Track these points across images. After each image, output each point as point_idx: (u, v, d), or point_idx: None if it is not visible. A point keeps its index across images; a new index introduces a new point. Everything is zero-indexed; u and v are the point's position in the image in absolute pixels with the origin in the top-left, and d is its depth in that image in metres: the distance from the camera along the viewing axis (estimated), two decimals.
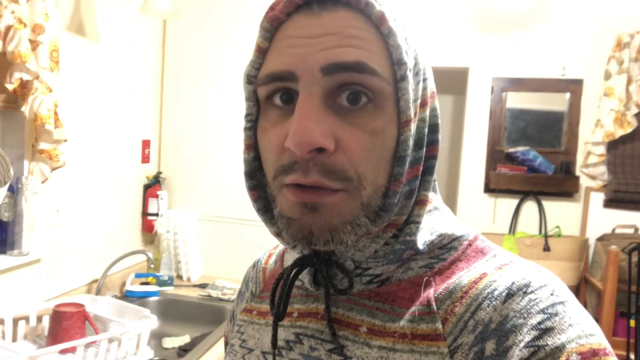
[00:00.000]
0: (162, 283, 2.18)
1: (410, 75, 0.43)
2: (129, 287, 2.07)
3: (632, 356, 1.89)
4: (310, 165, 0.41)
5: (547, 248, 2.18)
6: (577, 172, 2.26)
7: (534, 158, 2.25)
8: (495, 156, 2.34)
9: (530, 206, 2.31)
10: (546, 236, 2.21)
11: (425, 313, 0.43)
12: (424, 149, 0.45)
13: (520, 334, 0.39)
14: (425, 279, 0.46)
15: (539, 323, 0.39)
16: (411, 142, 0.43)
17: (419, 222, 0.46)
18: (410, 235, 0.46)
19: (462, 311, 0.42)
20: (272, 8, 0.43)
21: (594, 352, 0.38)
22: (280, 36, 0.43)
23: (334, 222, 0.42)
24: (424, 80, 0.46)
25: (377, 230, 0.44)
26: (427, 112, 0.46)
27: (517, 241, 2.23)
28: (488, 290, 0.42)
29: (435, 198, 0.50)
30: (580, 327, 0.39)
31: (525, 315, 0.40)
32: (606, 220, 2.20)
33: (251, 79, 0.45)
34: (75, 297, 1.64)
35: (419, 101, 0.45)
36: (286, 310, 0.48)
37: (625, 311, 1.94)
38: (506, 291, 0.42)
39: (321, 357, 0.46)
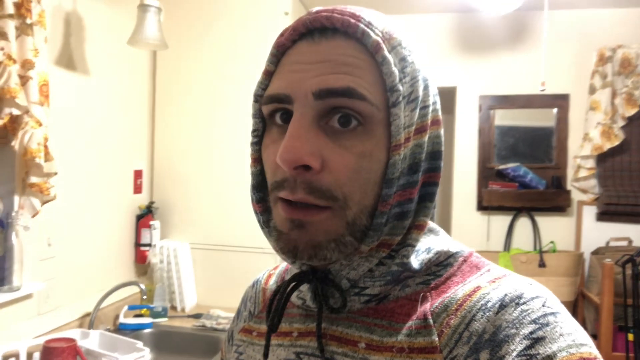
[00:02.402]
0: (155, 314, 2.15)
1: (403, 101, 0.45)
2: (122, 319, 2.04)
3: None
4: (298, 183, 0.43)
5: (542, 264, 2.18)
6: (569, 187, 2.27)
7: (524, 174, 2.26)
8: (487, 173, 2.35)
9: (523, 222, 2.31)
10: (541, 252, 2.21)
11: (422, 327, 0.45)
12: (419, 173, 0.47)
13: (513, 344, 0.40)
14: (421, 294, 0.47)
15: (531, 333, 0.40)
16: (401, 166, 0.45)
17: (414, 246, 0.48)
18: (406, 257, 0.47)
19: (457, 323, 0.44)
20: (281, 35, 0.48)
21: None
22: (285, 61, 0.47)
23: (318, 239, 0.44)
24: (424, 107, 0.47)
25: (368, 250, 0.46)
26: (426, 139, 0.47)
27: (512, 258, 2.22)
28: (482, 302, 0.44)
29: (430, 222, 0.52)
30: (571, 337, 0.40)
31: (518, 326, 0.41)
32: (600, 234, 2.20)
33: (257, 98, 0.49)
34: (66, 332, 1.61)
35: (413, 127, 0.46)
36: (280, 322, 0.49)
37: (624, 325, 1.92)
38: (499, 303, 0.43)
39: None
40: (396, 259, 0.47)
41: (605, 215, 2.19)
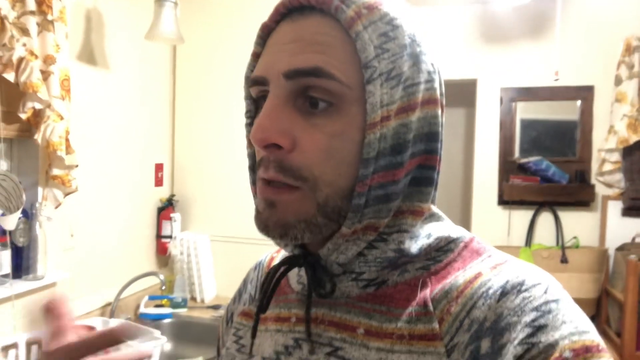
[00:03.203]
0: (175, 305, 2.20)
1: (379, 78, 0.43)
2: (142, 309, 2.09)
3: None
4: (270, 162, 0.44)
5: (564, 260, 2.13)
6: (593, 181, 2.21)
7: (547, 168, 2.21)
8: (508, 167, 2.31)
9: (545, 217, 2.26)
10: (563, 247, 2.16)
11: (422, 314, 0.44)
12: (405, 154, 0.45)
13: (514, 332, 0.40)
14: (421, 279, 0.46)
15: (533, 320, 0.40)
16: (380, 145, 0.43)
17: (409, 231, 0.47)
18: (402, 243, 0.46)
19: (457, 310, 0.43)
20: (268, 17, 0.49)
21: (587, 349, 0.38)
22: (268, 42, 0.48)
23: (287, 219, 0.45)
24: (411, 85, 0.45)
25: (351, 232, 0.45)
26: (414, 118, 0.45)
27: (533, 253, 2.18)
28: (483, 289, 0.43)
29: (432, 207, 0.51)
30: (573, 324, 0.40)
31: (519, 313, 0.40)
32: (625, 229, 2.14)
33: (247, 80, 0.50)
34: (87, 320, 1.66)
35: (394, 105, 0.44)
36: (269, 303, 0.50)
37: None
38: (500, 290, 0.43)
39: None
40: (390, 243, 0.46)
41: (631, 210, 2.12)
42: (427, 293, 0.45)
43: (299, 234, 0.45)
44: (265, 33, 0.48)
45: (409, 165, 0.46)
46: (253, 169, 0.51)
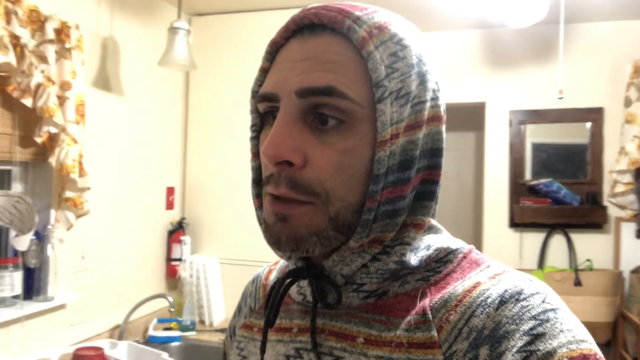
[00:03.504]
0: (184, 328, 2.19)
1: (390, 97, 0.44)
2: (151, 332, 2.09)
3: None
4: (281, 178, 0.44)
5: (578, 282, 2.09)
6: (605, 202, 2.18)
7: (557, 189, 2.19)
8: (518, 190, 2.29)
9: (558, 240, 2.23)
10: (577, 270, 2.12)
11: (421, 322, 0.44)
12: (412, 170, 0.46)
13: (513, 340, 0.40)
14: (421, 290, 0.47)
15: (531, 329, 0.40)
16: (389, 162, 0.44)
17: (411, 244, 0.48)
18: (404, 255, 0.47)
19: (456, 319, 0.43)
20: (277, 33, 0.50)
21: (584, 357, 0.38)
22: (277, 59, 0.48)
23: (300, 232, 0.45)
24: (418, 103, 0.46)
25: (358, 246, 0.46)
26: (421, 135, 0.47)
27: (546, 276, 2.14)
28: (482, 298, 0.44)
29: (432, 221, 0.52)
30: (571, 333, 0.40)
31: (518, 322, 0.41)
32: None
33: (254, 94, 0.51)
34: (96, 342, 1.66)
35: (403, 123, 0.45)
36: (276, 317, 0.50)
37: None
38: (499, 299, 0.43)
39: None
40: (392, 256, 0.47)
41: None
42: (426, 302, 0.46)
43: (310, 247, 0.45)
44: (274, 49, 0.49)
45: (415, 181, 0.47)
46: (257, 182, 0.52)
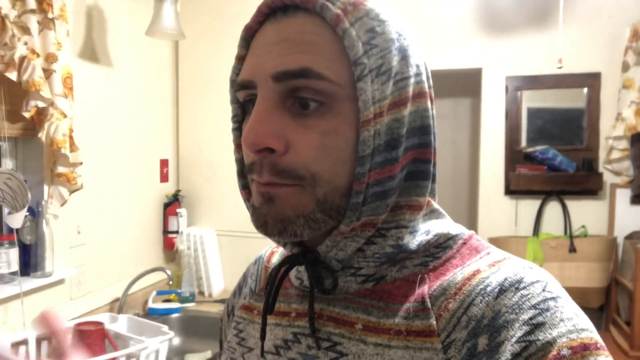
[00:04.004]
0: (183, 300, 2.21)
1: (370, 75, 0.43)
2: (151, 304, 2.10)
3: None
4: (264, 165, 0.44)
5: (573, 249, 2.11)
6: (600, 169, 2.18)
7: (553, 156, 2.18)
8: (514, 157, 2.29)
9: (553, 206, 2.24)
10: (571, 237, 2.14)
11: (420, 310, 0.44)
12: (399, 149, 0.45)
13: (512, 329, 0.40)
14: (419, 276, 0.46)
15: (531, 318, 0.40)
16: (374, 142, 0.43)
17: (408, 227, 0.47)
18: (400, 238, 0.46)
19: (455, 307, 0.43)
20: (250, 19, 0.48)
21: (585, 347, 0.38)
22: (253, 44, 0.47)
23: (286, 214, 0.44)
24: (401, 79, 0.45)
25: (350, 230, 0.45)
26: (406, 113, 0.45)
27: (541, 243, 2.16)
28: (481, 286, 0.43)
29: (433, 202, 0.51)
30: (571, 322, 0.40)
31: (517, 311, 0.40)
32: (634, 218, 2.11)
33: (232, 83, 0.49)
34: (95, 316, 1.68)
35: (386, 101, 0.44)
36: (274, 304, 0.50)
37: None
38: (498, 287, 0.43)
39: (318, 355, 0.46)
40: (389, 239, 0.46)
41: None
42: (425, 289, 0.45)
43: (298, 230, 0.44)
44: (249, 35, 0.48)
45: (404, 160, 0.46)
46: (242, 174, 0.51)
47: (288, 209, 0.44)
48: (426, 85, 0.48)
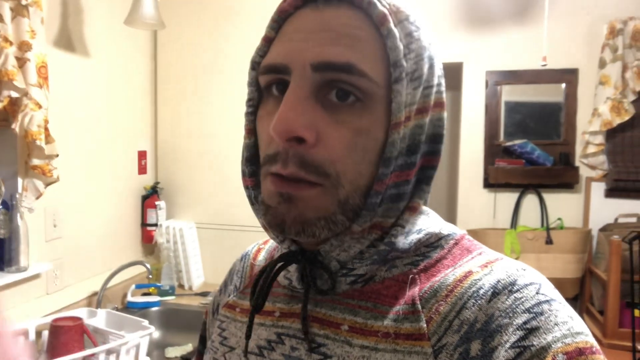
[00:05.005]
0: (163, 293, 2.19)
1: (406, 78, 0.43)
2: (130, 298, 2.08)
3: (638, 346, 1.86)
4: (290, 156, 0.42)
5: (549, 241, 2.16)
6: (577, 163, 2.23)
7: (531, 150, 2.22)
8: (493, 150, 2.32)
9: (530, 199, 2.28)
10: (548, 229, 2.19)
11: (410, 312, 0.43)
12: (418, 155, 0.45)
13: (506, 334, 0.39)
14: (410, 276, 0.46)
15: (525, 323, 0.39)
16: (400, 145, 0.43)
17: (404, 226, 0.47)
18: (395, 237, 0.46)
19: (447, 310, 0.42)
20: (284, 0, 0.46)
21: (580, 351, 0.37)
22: (285, 29, 0.45)
23: (307, 216, 0.43)
24: (427, 87, 0.45)
25: (360, 231, 0.45)
26: (427, 120, 0.46)
27: (518, 235, 2.20)
28: (473, 289, 0.42)
29: (424, 205, 0.51)
30: (566, 326, 0.39)
31: (511, 315, 0.40)
32: (608, 210, 2.17)
33: (255, 65, 0.47)
34: (74, 311, 1.64)
35: (415, 106, 0.44)
36: (264, 302, 0.48)
37: (631, 301, 1.91)
38: (491, 290, 0.42)
39: (301, 357, 0.46)
40: (385, 239, 0.46)
41: (614, 191, 2.15)
42: (415, 291, 0.44)
43: (317, 231, 0.43)
44: (282, 18, 0.46)
45: (418, 166, 0.46)
46: (250, 160, 0.49)
47: (309, 211, 0.43)
48: (443, 96, 0.48)
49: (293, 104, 0.41)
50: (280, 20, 0.46)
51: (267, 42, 0.46)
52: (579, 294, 2.21)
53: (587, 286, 2.20)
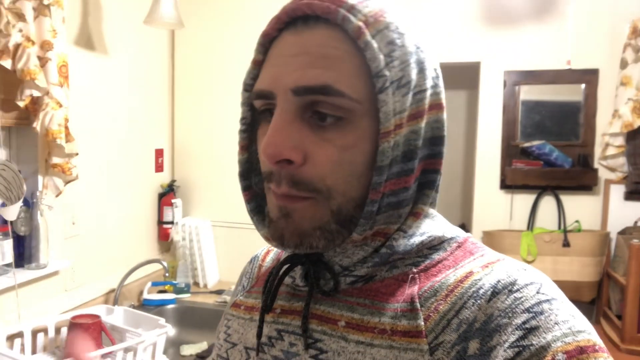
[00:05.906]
0: (179, 291, 2.20)
1: (391, 87, 0.43)
2: (146, 295, 2.09)
3: None
4: (282, 176, 0.44)
5: (566, 243, 2.13)
6: (596, 165, 2.20)
7: (550, 152, 2.19)
8: (511, 151, 2.29)
9: (548, 201, 2.26)
10: (565, 231, 2.16)
11: (408, 310, 0.44)
12: (415, 161, 0.46)
13: (505, 334, 0.39)
14: (410, 275, 0.46)
15: (524, 322, 0.39)
16: (392, 153, 0.44)
17: (406, 231, 0.47)
18: (395, 240, 0.47)
19: (446, 309, 0.42)
20: (268, 24, 0.48)
21: (581, 350, 0.37)
22: (271, 52, 0.47)
23: (303, 227, 0.45)
24: (419, 92, 0.46)
25: (362, 238, 0.46)
26: (423, 124, 0.46)
27: (535, 237, 2.18)
28: (473, 289, 0.43)
29: (430, 209, 0.51)
30: (567, 324, 0.39)
31: (510, 315, 0.40)
32: (628, 213, 2.14)
33: (247, 87, 0.50)
34: (91, 308, 1.66)
35: (406, 113, 0.44)
36: (273, 304, 0.50)
37: None
38: (491, 290, 0.42)
39: (299, 352, 0.47)
40: (387, 243, 0.47)
41: (633, 194, 2.12)
42: (414, 290, 0.45)
43: (314, 242, 0.45)
44: (267, 41, 0.47)
45: (417, 171, 0.47)
46: (244, 175, 0.51)
47: (305, 222, 0.45)
48: (441, 97, 0.48)
49: (279, 128, 0.43)
50: (266, 44, 0.48)
51: (256, 65, 0.48)
52: (596, 297, 2.18)
53: (604, 290, 2.17)
